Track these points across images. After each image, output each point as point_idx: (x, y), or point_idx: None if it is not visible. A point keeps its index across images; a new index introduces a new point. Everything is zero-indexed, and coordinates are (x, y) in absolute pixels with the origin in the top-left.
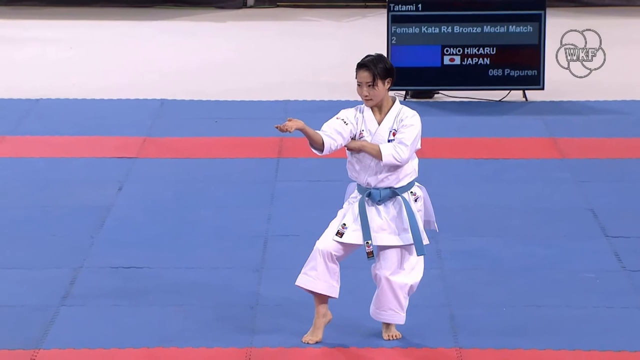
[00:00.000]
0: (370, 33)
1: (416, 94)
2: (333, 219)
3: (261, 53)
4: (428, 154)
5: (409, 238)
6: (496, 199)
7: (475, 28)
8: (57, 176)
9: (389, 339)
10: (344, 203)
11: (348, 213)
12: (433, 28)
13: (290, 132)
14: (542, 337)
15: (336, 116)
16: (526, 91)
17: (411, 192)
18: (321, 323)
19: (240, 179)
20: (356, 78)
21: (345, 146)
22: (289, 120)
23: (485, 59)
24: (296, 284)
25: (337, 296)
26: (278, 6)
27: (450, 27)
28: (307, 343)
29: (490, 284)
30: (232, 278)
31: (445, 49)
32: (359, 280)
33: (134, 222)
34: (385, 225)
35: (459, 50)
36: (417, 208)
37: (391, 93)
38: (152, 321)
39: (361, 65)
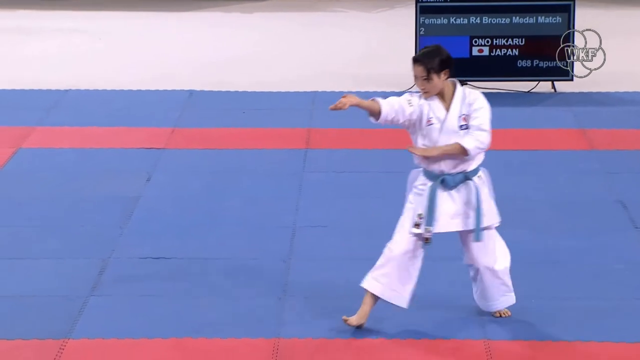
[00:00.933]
0: (398, 24)
1: None
2: (370, 210)
3: (288, 44)
4: None
5: (487, 220)
6: (524, 190)
7: (503, 19)
8: (85, 167)
9: (499, 316)
10: (407, 193)
11: (421, 203)
12: (461, 19)
13: (344, 109)
14: (570, 329)
15: (402, 96)
16: (555, 82)
17: (478, 175)
18: (368, 311)
19: (267, 170)
20: (414, 72)
21: (426, 157)
22: (343, 97)
23: (513, 50)
24: (364, 286)
25: (406, 306)
26: None
27: (478, 18)
28: (349, 324)
29: (519, 276)
30: (259, 269)
31: (474, 40)
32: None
33: (162, 212)
34: (460, 210)
35: (488, 41)
36: (486, 191)
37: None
38: (180, 312)
39: (415, 60)
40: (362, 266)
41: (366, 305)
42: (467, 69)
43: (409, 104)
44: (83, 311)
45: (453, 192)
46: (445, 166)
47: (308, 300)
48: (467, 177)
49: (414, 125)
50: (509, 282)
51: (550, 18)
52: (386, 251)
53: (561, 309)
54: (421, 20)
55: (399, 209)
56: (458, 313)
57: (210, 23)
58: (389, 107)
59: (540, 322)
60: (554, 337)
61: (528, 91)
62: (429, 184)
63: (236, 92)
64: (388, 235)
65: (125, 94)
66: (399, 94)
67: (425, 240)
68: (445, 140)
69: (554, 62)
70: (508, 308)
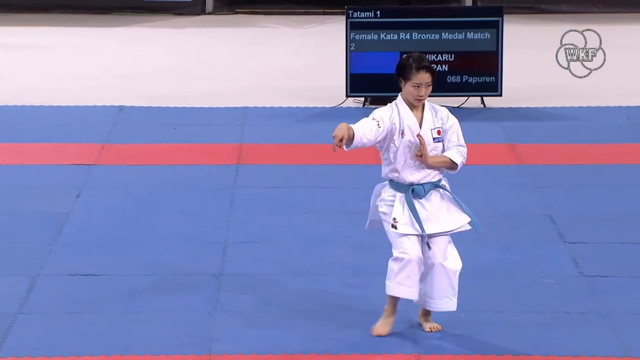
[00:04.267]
0: (329, 40)
1: (375, 101)
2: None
3: (220, 59)
4: None
5: (454, 224)
6: None
7: (433, 35)
8: (14, 183)
9: (430, 331)
10: (375, 208)
11: (395, 209)
12: (392, 35)
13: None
14: (500, 343)
15: (372, 116)
16: (484, 98)
17: (443, 184)
18: (392, 319)
19: (199, 185)
20: (412, 80)
21: (424, 163)
22: (335, 134)
23: (443, 65)
24: (392, 294)
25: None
26: (237, 13)
27: (408, 34)
28: (378, 335)
29: None
30: (191, 285)
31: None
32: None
33: (92, 228)
34: (431, 217)
35: None
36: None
37: (350, 100)
38: (110, 328)
39: (424, 68)
40: (294, 281)
41: (390, 313)
42: (398, 85)
43: (378, 125)
44: (11, 329)
45: (423, 200)
46: (414, 178)
47: (240, 315)
48: (435, 185)
49: (384, 141)
50: (456, 287)
51: (479, 34)
52: (400, 257)
53: (492, 322)
54: (351, 36)
55: (332, 224)
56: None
57: (141, 39)
58: (360, 134)
59: (472, 336)
60: (485, 350)
61: (458, 106)
62: (398, 194)
63: (167, 107)
64: (321, 250)
65: (55, 110)
66: (330, 109)
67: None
68: (407, 151)
69: (483, 78)
70: (439, 323)
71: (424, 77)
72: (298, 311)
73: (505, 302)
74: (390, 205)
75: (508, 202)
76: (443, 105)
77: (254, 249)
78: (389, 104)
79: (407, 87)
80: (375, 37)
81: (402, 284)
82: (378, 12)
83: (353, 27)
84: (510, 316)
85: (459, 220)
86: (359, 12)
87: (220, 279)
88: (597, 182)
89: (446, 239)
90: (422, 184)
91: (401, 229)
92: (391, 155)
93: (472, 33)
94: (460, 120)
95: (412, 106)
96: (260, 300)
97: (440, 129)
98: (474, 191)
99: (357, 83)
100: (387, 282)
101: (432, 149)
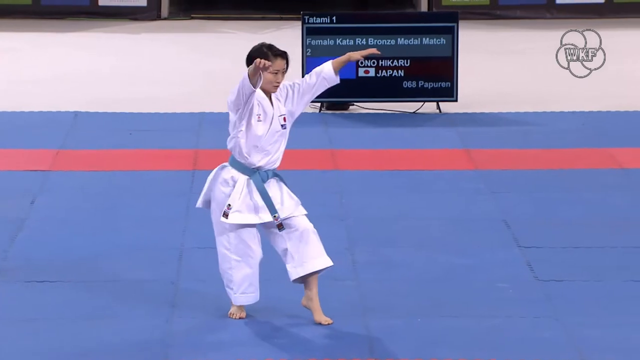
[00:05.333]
0: (285, 45)
1: (331, 106)
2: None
3: (176, 65)
4: (344, 165)
5: (291, 211)
6: (412, 210)
7: (389, 40)
8: None
9: (327, 324)
10: (214, 187)
11: (233, 193)
12: (348, 40)
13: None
14: (456, 348)
15: (257, 113)
16: (440, 103)
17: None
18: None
19: (155, 191)
20: (268, 68)
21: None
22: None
23: (399, 71)
24: (240, 304)
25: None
26: (192, 18)
27: (364, 40)
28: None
29: (406, 294)
30: (147, 291)
31: (360, 61)
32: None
33: (47, 235)
34: (277, 200)
35: (374, 63)
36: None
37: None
38: (66, 335)
39: (281, 54)
40: None
41: (241, 310)
42: (354, 90)
43: (258, 117)
44: None
45: (264, 185)
46: (263, 162)
47: (196, 321)
48: (275, 173)
49: (244, 107)
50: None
51: (435, 40)
52: (240, 264)
53: (448, 327)
54: (307, 42)
55: None
56: (346, 333)
57: (95, 44)
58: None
59: (427, 341)
60: (440, 355)
61: (414, 112)
62: (242, 177)
63: (122, 113)
64: (274, 254)
65: (8, 116)
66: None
67: (278, 227)
68: (270, 138)
69: (439, 83)
70: (330, 316)
71: (281, 63)
72: (254, 316)
73: (460, 306)
74: (227, 185)
75: (463, 207)
76: (398, 111)
77: (210, 254)
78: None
79: (265, 74)
80: (331, 42)
81: (246, 293)
82: (334, 17)
83: (309, 32)
84: (466, 321)
85: (294, 209)
86: (315, 18)
87: (176, 285)
88: (551, 187)
89: (301, 214)
90: (265, 170)
91: (232, 217)
92: (246, 132)
93: (427, 39)
94: (416, 125)
95: (266, 94)
96: (217, 307)
97: (285, 116)
98: (429, 196)
99: None
100: (231, 293)
101: (280, 136)
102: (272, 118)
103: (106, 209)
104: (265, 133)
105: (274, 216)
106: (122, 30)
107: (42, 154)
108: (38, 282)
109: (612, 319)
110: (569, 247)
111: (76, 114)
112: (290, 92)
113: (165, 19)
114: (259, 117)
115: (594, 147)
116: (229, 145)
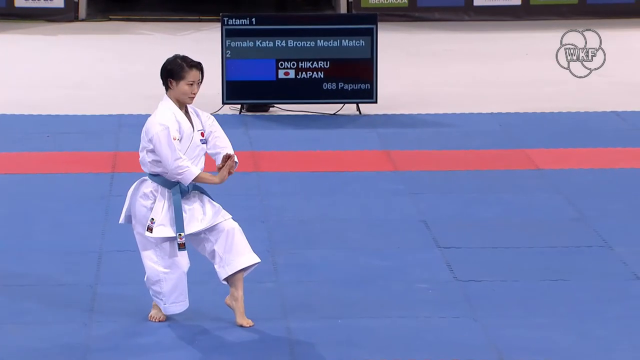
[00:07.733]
0: (204, 47)
1: (251, 108)
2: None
3: (94, 66)
4: (265, 167)
5: (212, 220)
6: (333, 211)
7: (309, 42)
8: None
9: (248, 326)
10: (135, 202)
11: (155, 207)
12: (267, 42)
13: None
14: (376, 349)
15: (172, 137)
16: (360, 105)
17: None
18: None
19: (73, 194)
20: (186, 78)
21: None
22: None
23: (319, 72)
24: (170, 313)
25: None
26: (111, 19)
27: (284, 41)
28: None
29: (327, 296)
30: (66, 295)
31: (280, 63)
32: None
33: None
34: (191, 217)
35: (294, 64)
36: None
37: (226, 107)
38: None
39: (196, 65)
40: None
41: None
42: (274, 92)
43: (179, 141)
44: None
45: (184, 200)
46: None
47: (115, 325)
48: (195, 186)
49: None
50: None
51: (355, 41)
52: (166, 276)
53: (368, 328)
54: (227, 43)
55: None
56: (266, 335)
57: (11, 45)
58: (200, 168)
59: (347, 343)
60: (360, 356)
61: (334, 113)
62: (162, 190)
63: (39, 115)
64: (198, 257)
65: None
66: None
67: (179, 247)
68: (192, 152)
69: (359, 85)
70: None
71: (196, 74)
72: (175, 319)
73: (380, 307)
74: (147, 199)
75: (383, 208)
76: (319, 112)
77: (129, 257)
78: (165, 111)
79: (181, 86)
80: (251, 44)
81: (177, 302)
82: (254, 19)
83: (229, 34)
84: (386, 322)
85: (217, 217)
86: (234, 20)
87: (95, 289)
88: (470, 188)
89: (225, 219)
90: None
91: (157, 231)
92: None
93: (347, 40)
94: (336, 127)
95: (181, 106)
96: (137, 310)
97: (203, 131)
98: (349, 197)
99: (233, 90)
100: (160, 304)
101: (201, 150)
102: (192, 135)
103: (23, 213)
104: (186, 150)
105: (179, 235)
106: (39, 32)
107: None
108: None
109: (530, 319)
110: (487, 247)
111: None
112: (209, 131)
113: (83, 20)
114: (176, 139)
115: (511, 149)
116: (147, 159)
